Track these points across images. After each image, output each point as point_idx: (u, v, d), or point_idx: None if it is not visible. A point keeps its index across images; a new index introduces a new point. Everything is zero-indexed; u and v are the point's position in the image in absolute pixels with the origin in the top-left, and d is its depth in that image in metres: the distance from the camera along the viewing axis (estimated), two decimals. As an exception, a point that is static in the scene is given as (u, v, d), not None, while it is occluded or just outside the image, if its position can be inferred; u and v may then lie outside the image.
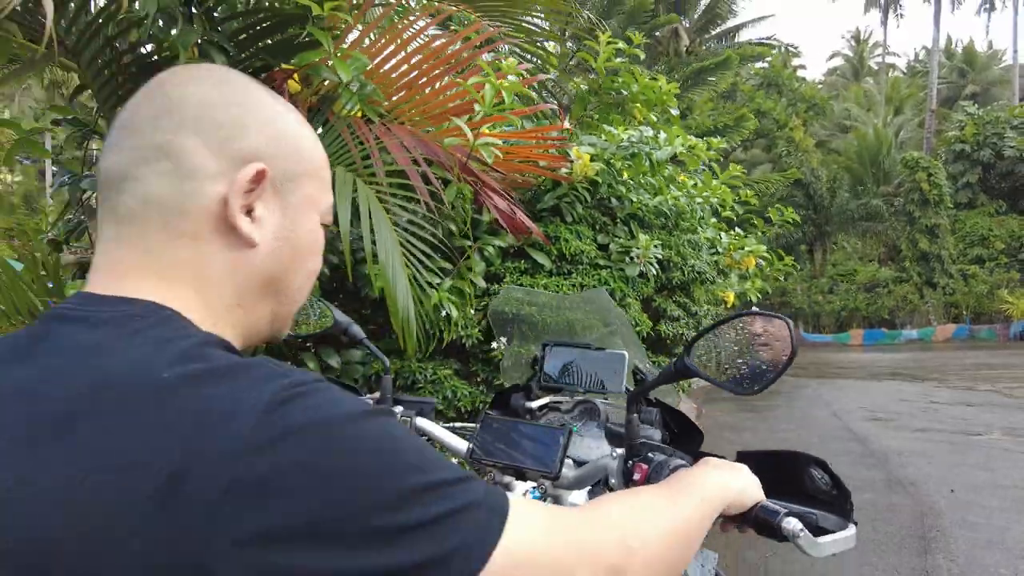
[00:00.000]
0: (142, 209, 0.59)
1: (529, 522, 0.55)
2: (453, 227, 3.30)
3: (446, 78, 3.32)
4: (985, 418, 7.25)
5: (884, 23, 45.52)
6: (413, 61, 3.18)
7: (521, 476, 1.15)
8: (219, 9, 2.70)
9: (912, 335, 21.96)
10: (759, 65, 25.96)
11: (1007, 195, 23.37)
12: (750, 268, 6.86)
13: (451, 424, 1.44)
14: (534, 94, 4.51)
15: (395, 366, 3.31)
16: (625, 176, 4.64)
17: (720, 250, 6.48)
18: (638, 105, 5.02)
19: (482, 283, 3.49)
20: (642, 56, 5.06)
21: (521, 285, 3.64)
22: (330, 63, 2.63)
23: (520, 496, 0.95)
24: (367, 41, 3.21)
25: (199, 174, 0.59)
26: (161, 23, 2.52)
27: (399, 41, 3.12)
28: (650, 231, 4.79)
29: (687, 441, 1.18)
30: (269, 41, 2.74)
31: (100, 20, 2.35)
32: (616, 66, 4.91)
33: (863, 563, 3.31)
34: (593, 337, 1.75)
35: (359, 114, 2.98)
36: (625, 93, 4.95)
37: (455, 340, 3.41)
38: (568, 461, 1.13)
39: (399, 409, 1.44)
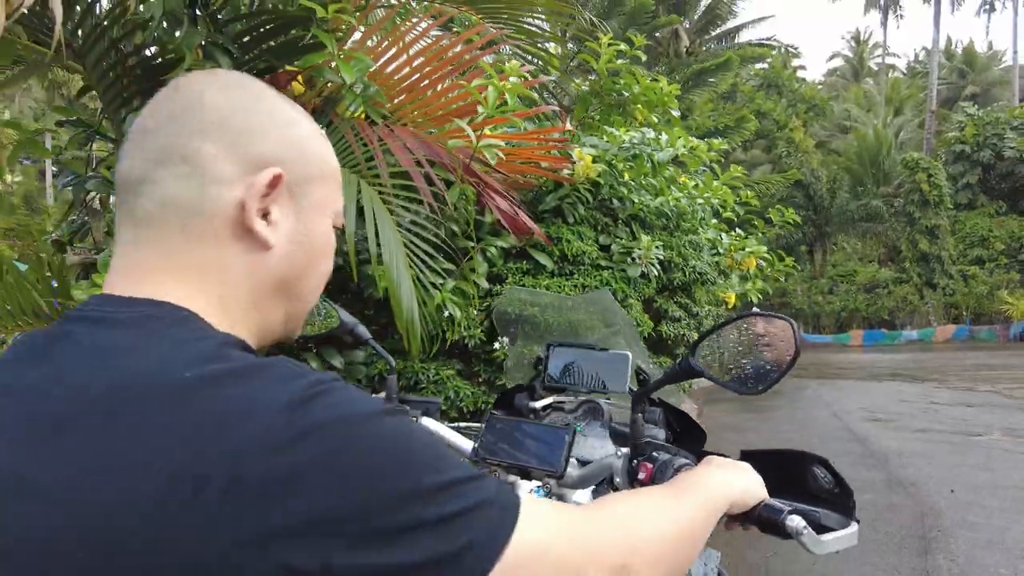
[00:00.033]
0: (160, 212, 0.60)
1: (539, 520, 0.56)
2: (456, 228, 3.31)
3: (448, 80, 3.33)
4: (985, 419, 7.26)
5: (884, 24, 45.60)
6: (416, 63, 3.20)
7: (526, 475, 1.16)
8: (223, 11, 2.72)
9: (912, 336, 21.96)
10: (759, 66, 25.96)
11: (1007, 196, 23.37)
12: (751, 269, 6.87)
13: (456, 424, 1.45)
14: (536, 96, 4.52)
15: (398, 366, 3.33)
16: (626, 177, 4.65)
17: (721, 251, 6.49)
18: (639, 106, 5.04)
19: (485, 284, 3.50)
20: (643, 58, 5.08)
21: (523, 286, 3.65)
22: (333, 65, 2.64)
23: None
24: (370, 43, 3.22)
25: (217, 178, 0.60)
26: (165, 25, 2.54)
27: (402, 43, 3.13)
28: (651, 232, 4.80)
29: (690, 441, 1.19)
30: (273, 43, 2.75)
31: (106, 22, 2.37)
32: (617, 67, 4.93)
33: (864, 563, 3.32)
34: (595, 337, 1.77)
35: (362, 116, 3.00)
36: (626, 94, 4.97)
37: (457, 341, 3.42)
38: (572, 460, 1.14)
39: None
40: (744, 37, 24.01)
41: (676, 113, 5.36)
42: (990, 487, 4.61)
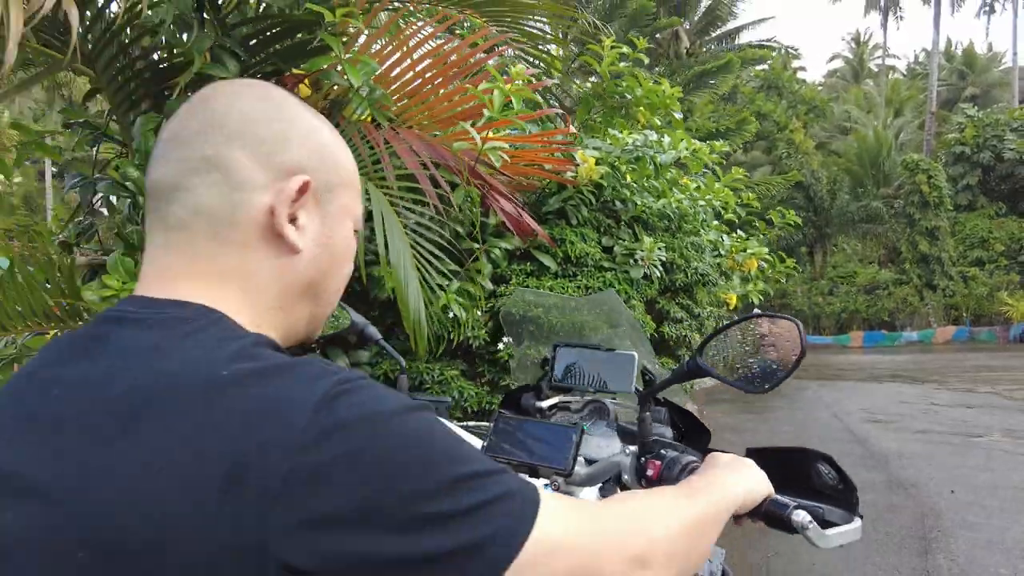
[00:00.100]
0: (192, 219, 0.62)
1: (558, 514, 0.58)
2: (461, 230, 3.34)
3: (453, 83, 3.35)
4: (985, 420, 7.27)
5: (884, 25, 45.65)
6: (421, 67, 3.22)
7: (534, 473, 1.18)
8: (231, 15, 2.74)
9: (912, 337, 21.94)
10: (759, 67, 25.97)
11: (1007, 197, 23.36)
12: (752, 270, 6.89)
13: (464, 423, 1.47)
14: (540, 98, 4.55)
15: (403, 367, 3.35)
16: (629, 179, 4.68)
17: (723, 252, 6.52)
18: (642, 109, 5.06)
19: (489, 285, 3.53)
20: (646, 61, 5.10)
21: (527, 287, 3.68)
22: (340, 68, 2.66)
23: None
24: (376, 46, 3.25)
25: (247, 185, 0.62)
26: (174, 29, 2.56)
27: (407, 47, 3.16)
28: (654, 234, 4.83)
29: (695, 439, 1.22)
30: (280, 46, 2.78)
31: (116, 27, 2.39)
32: (620, 70, 4.95)
33: (865, 562, 3.34)
34: (600, 338, 1.79)
35: (369, 119, 3.02)
36: (629, 97, 4.99)
37: (462, 341, 3.45)
38: (580, 459, 1.16)
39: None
40: (744, 38, 24.00)
41: (679, 116, 5.38)
42: (990, 488, 4.63)
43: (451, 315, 3.16)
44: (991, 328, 21.01)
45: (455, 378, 3.49)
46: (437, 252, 2.97)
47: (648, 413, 1.11)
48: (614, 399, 1.37)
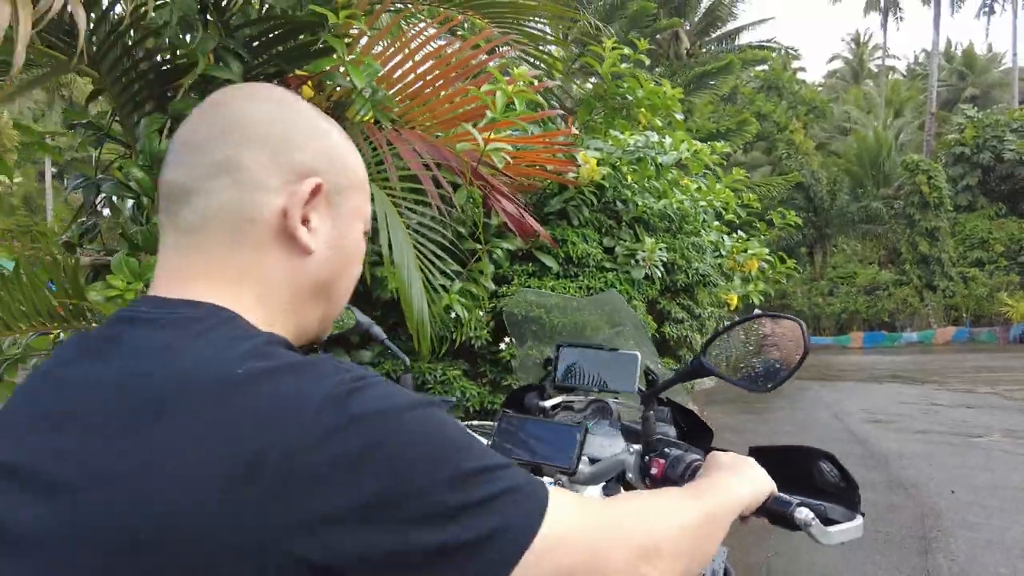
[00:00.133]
0: (206, 221, 0.63)
1: (567, 508, 0.59)
2: (463, 230, 3.35)
3: (455, 84, 3.37)
4: (985, 420, 7.28)
5: (884, 26, 45.60)
6: (423, 68, 3.23)
7: (538, 472, 1.19)
8: (234, 17, 2.76)
9: (912, 338, 21.93)
10: (759, 68, 25.97)
11: (1007, 198, 23.35)
12: (753, 271, 6.90)
13: (468, 422, 1.48)
14: (541, 99, 4.56)
15: (405, 367, 3.36)
16: (630, 180, 4.69)
17: (723, 253, 6.53)
18: (643, 110, 5.07)
19: (491, 285, 3.54)
20: (647, 62, 5.11)
21: (529, 287, 3.69)
22: (343, 70, 2.68)
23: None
24: (378, 48, 3.26)
25: (261, 188, 0.63)
26: (178, 30, 2.57)
27: (409, 49, 3.17)
28: (655, 234, 4.84)
29: (697, 438, 1.23)
30: (283, 48, 2.79)
31: (121, 28, 2.40)
32: (621, 71, 4.96)
33: (865, 562, 3.35)
34: (602, 337, 1.80)
35: (371, 120, 3.03)
36: (630, 98, 5.01)
37: (464, 341, 3.46)
38: (583, 458, 1.18)
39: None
40: (744, 39, 24.01)
41: (680, 117, 5.40)
42: (990, 488, 4.64)
43: (453, 315, 3.17)
44: (991, 329, 21.00)
45: (457, 378, 3.50)
46: (440, 252, 2.99)
47: (652, 412, 1.12)
48: (617, 399, 1.38)
